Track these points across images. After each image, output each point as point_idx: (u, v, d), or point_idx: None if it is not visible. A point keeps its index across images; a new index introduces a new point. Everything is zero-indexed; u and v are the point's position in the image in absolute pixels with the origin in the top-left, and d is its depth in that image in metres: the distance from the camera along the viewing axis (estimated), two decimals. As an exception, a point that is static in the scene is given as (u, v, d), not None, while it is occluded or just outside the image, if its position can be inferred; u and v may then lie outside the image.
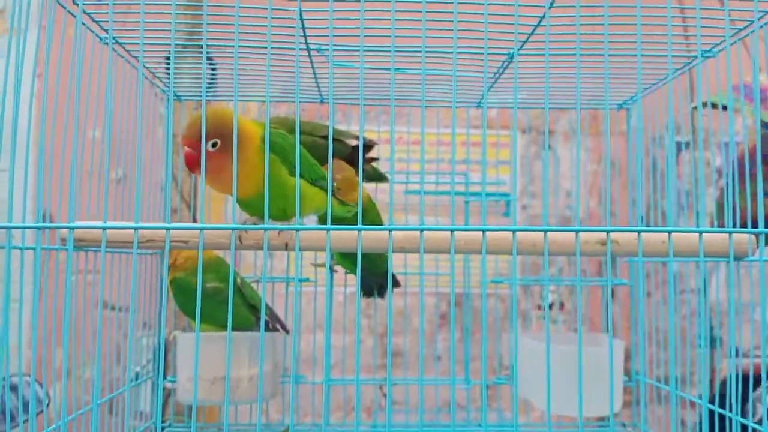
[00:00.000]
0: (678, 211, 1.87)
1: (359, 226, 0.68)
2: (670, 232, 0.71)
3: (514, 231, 0.69)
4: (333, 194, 0.89)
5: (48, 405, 1.04)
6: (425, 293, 1.80)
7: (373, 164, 1.20)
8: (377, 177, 1.21)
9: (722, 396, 0.92)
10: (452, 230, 0.68)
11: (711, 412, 0.97)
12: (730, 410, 0.83)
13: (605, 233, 0.72)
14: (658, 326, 1.34)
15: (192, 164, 0.75)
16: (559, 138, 1.94)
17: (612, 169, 1.67)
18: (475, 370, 1.56)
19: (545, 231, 0.68)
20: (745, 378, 1.04)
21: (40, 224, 0.68)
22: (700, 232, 0.72)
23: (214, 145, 0.75)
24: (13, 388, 0.98)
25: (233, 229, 0.69)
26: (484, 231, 0.68)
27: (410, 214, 1.41)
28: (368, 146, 1.17)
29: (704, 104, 1.05)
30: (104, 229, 0.68)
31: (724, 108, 1.02)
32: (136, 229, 0.67)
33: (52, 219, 0.77)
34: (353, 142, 1.13)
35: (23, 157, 0.68)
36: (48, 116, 0.69)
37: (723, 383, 1.46)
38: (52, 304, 0.81)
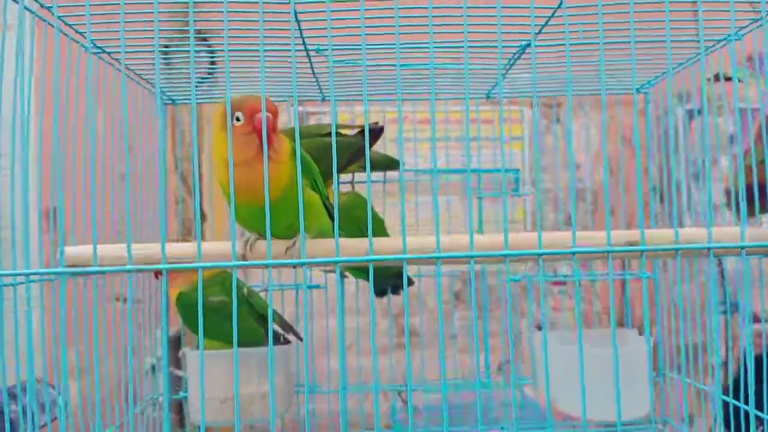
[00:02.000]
0: (690, 181, 1.82)
1: (371, 257, 0.62)
2: (710, 249, 0.65)
3: (539, 255, 0.62)
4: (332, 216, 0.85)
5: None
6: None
7: (383, 151, 1.15)
8: (388, 163, 1.14)
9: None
10: (472, 257, 0.61)
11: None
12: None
13: (640, 253, 0.65)
14: (677, 312, 1.29)
15: (271, 129, 0.69)
16: (569, 111, 1.88)
17: (625, 145, 1.63)
18: (493, 347, 1.50)
19: (574, 253, 0.62)
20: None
21: (68, 269, 0.63)
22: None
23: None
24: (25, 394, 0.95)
25: (235, 266, 0.63)
26: (506, 256, 0.61)
27: (420, 195, 1.35)
28: (376, 132, 1.08)
29: (716, 77, 1.02)
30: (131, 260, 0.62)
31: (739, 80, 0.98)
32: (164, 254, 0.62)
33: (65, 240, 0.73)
34: (356, 129, 1.06)
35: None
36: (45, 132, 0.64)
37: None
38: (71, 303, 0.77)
